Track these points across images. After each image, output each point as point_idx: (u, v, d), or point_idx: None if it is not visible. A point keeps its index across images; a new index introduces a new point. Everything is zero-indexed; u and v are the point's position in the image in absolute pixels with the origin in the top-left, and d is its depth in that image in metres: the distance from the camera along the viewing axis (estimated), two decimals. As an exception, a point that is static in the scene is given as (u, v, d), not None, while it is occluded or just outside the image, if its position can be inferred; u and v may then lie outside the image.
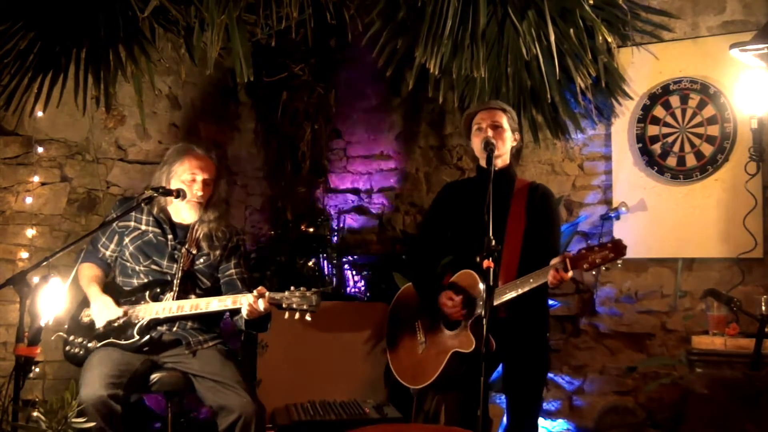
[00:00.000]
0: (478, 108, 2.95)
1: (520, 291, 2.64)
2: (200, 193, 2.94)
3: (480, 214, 2.47)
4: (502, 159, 2.87)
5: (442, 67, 3.55)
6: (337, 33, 4.39)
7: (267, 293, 2.74)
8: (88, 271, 3.00)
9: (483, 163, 2.81)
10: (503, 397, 3.10)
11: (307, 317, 2.74)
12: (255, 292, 2.73)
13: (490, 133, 2.81)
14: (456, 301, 2.76)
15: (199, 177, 2.94)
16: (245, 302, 2.74)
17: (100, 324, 2.85)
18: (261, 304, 2.72)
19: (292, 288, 2.76)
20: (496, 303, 2.60)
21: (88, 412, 2.49)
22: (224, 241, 3.05)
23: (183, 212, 2.99)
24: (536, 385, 2.85)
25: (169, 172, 2.96)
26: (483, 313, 2.27)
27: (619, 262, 2.51)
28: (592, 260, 2.49)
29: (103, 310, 2.83)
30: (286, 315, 2.76)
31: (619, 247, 2.49)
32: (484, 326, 2.21)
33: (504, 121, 2.87)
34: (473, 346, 2.71)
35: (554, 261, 2.57)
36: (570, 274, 2.54)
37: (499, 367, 2.94)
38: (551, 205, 2.92)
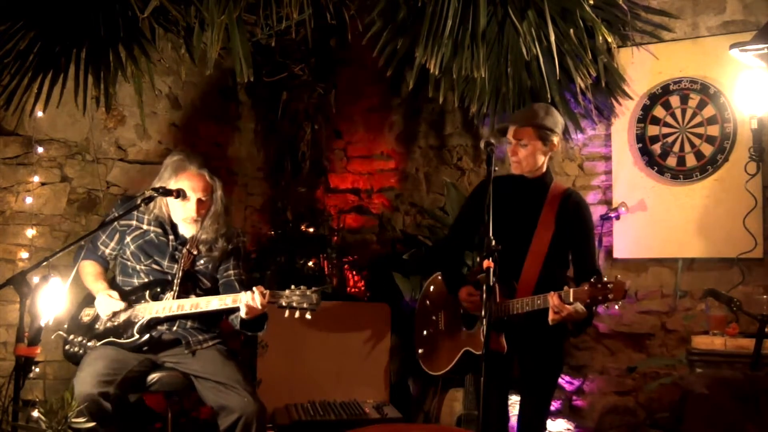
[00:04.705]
0: (513, 123, 2.90)
1: (528, 308, 2.67)
2: (194, 214, 2.92)
3: (510, 220, 2.63)
4: (532, 172, 2.87)
5: (442, 67, 3.55)
6: (337, 33, 4.39)
7: (267, 292, 2.74)
8: (91, 269, 3.01)
9: (514, 171, 2.89)
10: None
11: (307, 316, 2.75)
12: (254, 289, 2.73)
13: (521, 153, 2.82)
14: (475, 297, 2.80)
15: (194, 197, 2.92)
16: (244, 299, 2.74)
17: (104, 315, 2.87)
18: (258, 299, 2.71)
19: (292, 287, 2.77)
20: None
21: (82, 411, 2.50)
22: (225, 244, 3.04)
23: (181, 227, 2.98)
24: (548, 385, 2.87)
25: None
26: (483, 313, 2.28)
27: (617, 305, 2.62)
28: (594, 296, 2.54)
29: (109, 302, 2.86)
30: (287, 314, 2.76)
31: (620, 290, 2.52)
32: (484, 326, 2.23)
33: (534, 138, 2.82)
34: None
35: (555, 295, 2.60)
36: (571, 307, 2.56)
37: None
38: (583, 214, 2.88)
